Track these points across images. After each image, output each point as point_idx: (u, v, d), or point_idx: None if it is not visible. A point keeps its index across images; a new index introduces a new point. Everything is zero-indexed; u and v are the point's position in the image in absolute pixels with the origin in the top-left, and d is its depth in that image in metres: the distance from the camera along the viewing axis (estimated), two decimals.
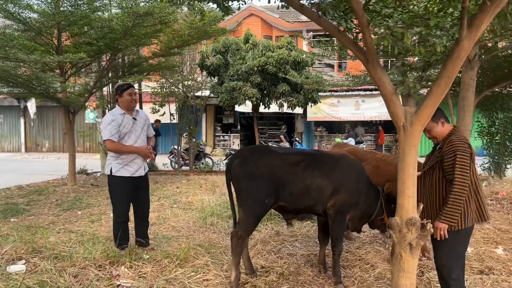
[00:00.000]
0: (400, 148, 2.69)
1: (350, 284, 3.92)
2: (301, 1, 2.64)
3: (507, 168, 10.68)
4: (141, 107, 14.76)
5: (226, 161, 14.14)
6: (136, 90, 4.79)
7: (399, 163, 2.69)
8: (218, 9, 4.14)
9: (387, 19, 2.44)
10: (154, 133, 4.93)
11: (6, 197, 8.65)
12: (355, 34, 2.69)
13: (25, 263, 4.14)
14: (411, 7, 2.32)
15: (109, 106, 12.34)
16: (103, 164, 13.13)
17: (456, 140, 2.85)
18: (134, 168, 4.53)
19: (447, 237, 2.86)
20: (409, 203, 2.66)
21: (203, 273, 3.96)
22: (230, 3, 4.18)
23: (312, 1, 2.59)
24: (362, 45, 2.59)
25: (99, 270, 3.91)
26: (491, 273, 4.27)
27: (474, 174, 2.93)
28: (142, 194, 4.72)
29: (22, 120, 23.56)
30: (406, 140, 2.63)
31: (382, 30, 2.48)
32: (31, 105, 20.98)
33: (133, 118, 4.53)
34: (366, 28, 2.42)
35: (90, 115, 21.26)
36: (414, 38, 2.63)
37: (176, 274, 3.87)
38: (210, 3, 4.32)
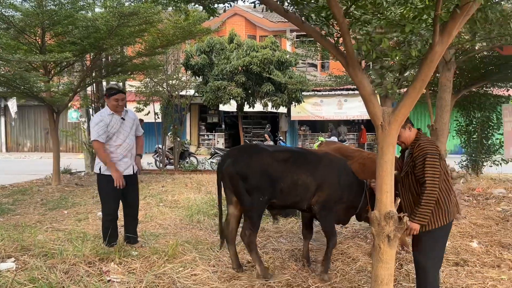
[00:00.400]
0: (378, 146, 2.86)
1: (333, 276, 4.08)
2: (285, 7, 2.79)
3: (483, 165, 11.06)
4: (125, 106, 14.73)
5: (211, 160, 14.25)
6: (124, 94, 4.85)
7: (378, 160, 2.85)
8: (203, 11, 4.27)
9: (366, 25, 2.60)
10: (143, 131, 5.02)
11: None
12: (336, 38, 2.85)
13: (14, 261, 4.20)
14: (388, 14, 2.49)
15: (93, 105, 12.31)
16: (87, 163, 13.09)
17: (424, 144, 3.04)
18: (122, 166, 4.57)
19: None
20: (387, 198, 2.83)
21: (191, 268, 4.08)
22: (215, 5, 4.31)
23: (296, 7, 2.73)
24: (342, 49, 2.75)
25: (89, 267, 3.99)
26: (466, 265, 4.49)
27: (446, 171, 3.12)
28: (131, 193, 4.75)
29: (2, 120, 23.22)
30: (384, 138, 2.80)
31: (361, 36, 2.64)
32: (12, 105, 20.69)
33: (122, 118, 4.57)
34: (346, 34, 2.57)
35: (72, 114, 21.11)
36: (391, 42, 2.80)
37: (165, 270, 3.98)
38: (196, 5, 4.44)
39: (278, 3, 2.85)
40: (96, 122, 4.43)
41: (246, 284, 3.83)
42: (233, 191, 4.04)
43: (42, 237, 5.00)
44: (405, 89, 2.87)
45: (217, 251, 4.64)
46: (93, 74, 11.18)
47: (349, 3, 2.46)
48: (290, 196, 3.97)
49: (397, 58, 2.60)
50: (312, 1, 2.77)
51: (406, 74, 3.22)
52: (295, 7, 2.80)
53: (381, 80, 2.85)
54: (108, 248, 4.48)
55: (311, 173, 3.99)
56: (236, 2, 4.10)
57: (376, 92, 2.84)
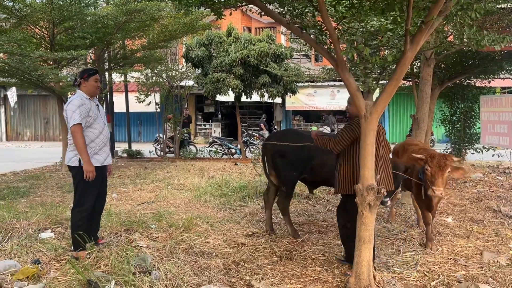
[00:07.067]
0: (362, 132, 3.54)
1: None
2: (287, 20, 3.45)
3: (466, 153, 11.83)
4: (126, 97, 15.33)
5: (209, 148, 14.96)
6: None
7: (361, 143, 3.54)
8: (212, 13, 4.90)
9: (352, 35, 3.27)
10: None
11: (5, 182, 9.22)
12: (328, 45, 3.52)
13: (51, 231, 4.88)
14: (369, 27, 3.15)
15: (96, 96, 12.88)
16: None
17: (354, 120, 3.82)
18: (103, 156, 4.23)
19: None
20: (368, 173, 3.51)
21: (205, 237, 4.79)
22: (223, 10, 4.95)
23: (296, 20, 3.39)
24: (333, 54, 3.42)
25: (118, 236, 4.68)
26: (439, 236, 5.23)
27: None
28: (104, 185, 4.46)
29: (2, 109, 23.64)
30: (367, 125, 3.48)
31: (348, 44, 3.31)
32: (12, 94, 21.09)
33: (97, 105, 4.25)
34: (336, 42, 3.24)
35: None
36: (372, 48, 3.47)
37: (183, 238, 4.68)
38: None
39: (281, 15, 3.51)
40: (78, 105, 3.96)
41: (251, 249, 4.54)
42: (272, 166, 4.91)
43: (70, 213, 5.65)
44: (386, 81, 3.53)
45: (226, 224, 5.35)
46: (96, 66, 11.75)
47: (339, 20, 3.13)
48: (320, 173, 4.71)
49: (377, 62, 3.28)
50: (309, 14, 3.44)
51: (384, 74, 3.87)
52: (295, 19, 3.46)
53: (365, 79, 3.53)
54: (76, 253, 4.09)
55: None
56: (242, 7, 4.73)
57: (360, 88, 3.52)
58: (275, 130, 19.15)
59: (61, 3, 9.00)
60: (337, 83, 19.28)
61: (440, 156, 4.41)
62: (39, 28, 9.56)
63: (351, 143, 3.83)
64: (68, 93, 10.74)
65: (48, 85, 10.26)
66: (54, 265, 3.94)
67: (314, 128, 20.22)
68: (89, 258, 3.96)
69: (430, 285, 3.70)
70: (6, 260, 3.94)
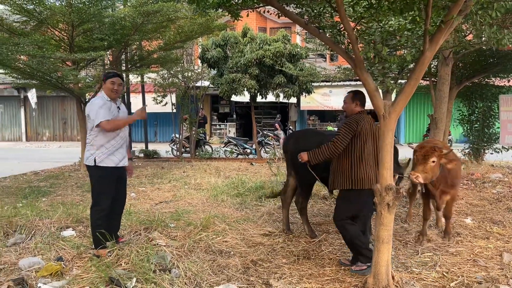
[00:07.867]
0: (380, 132, 3.54)
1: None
2: (305, 20, 3.47)
3: (485, 153, 11.64)
4: (143, 97, 15.50)
5: (225, 148, 15.04)
6: (123, 82, 4.48)
7: (380, 143, 3.54)
8: (228, 14, 4.95)
9: (370, 35, 3.27)
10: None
11: (26, 181, 9.43)
12: (346, 45, 3.53)
13: (73, 230, 4.98)
14: (387, 27, 3.15)
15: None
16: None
17: (350, 117, 3.92)
18: (118, 157, 4.30)
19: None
20: (387, 173, 3.51)
21: (222, 236, 4.84)
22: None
23: (314, 20, 3.41)
24: (351, 54, 3.43)
25: (138, 235, 4.76)
26: (458, 237, 5.18)
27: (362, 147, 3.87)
28: (123, 186, 4.55)
29: (22, 110, 24.11)
30: (385, 125, 3.48)
31: (366, 43, 3.31)
32: (32, 95, 21.51)
33: (117, 107, 4.33)
34: (355, 42, 3.25)
35: None
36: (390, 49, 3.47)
37: (201, 237, 4.74)
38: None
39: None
40: (100, 105, 4.12)
41: (269, 248, 4.56)
42: (291, 165, 4.94)
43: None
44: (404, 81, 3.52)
45: (243, 224, 5.39)
46: (113, 67, 11.92)
47: (357, 20, 3.14)
48: None
49: (395, 62, 3.27)
50: (327, 14, 3.45)
51: (402, 73, 3.85)
52: (313, 19, 3.48)
53: (383, 78, 3.53)
54: (97, 251, 4.17)
55: None
56: (259, 8, 4.76)
57: (379, 88, 3.51)
58: (290, 131, 19.13)
59: (80, 5, 9.17)
60: (352, 82, 19.15)
61: (429, 147, 4.46)
62: (59, 30, 9.75)
63: (351, 139, 3.87)
64: (87, 94, 10.94)
65: (67, 86, 10.45)
66: (76, 263, 4.03)
67: (330, 128, 20.15)
68: (110, 256, 4.04)
69: (449, 286, 3.67)
70: (31, 257, 4.05)
